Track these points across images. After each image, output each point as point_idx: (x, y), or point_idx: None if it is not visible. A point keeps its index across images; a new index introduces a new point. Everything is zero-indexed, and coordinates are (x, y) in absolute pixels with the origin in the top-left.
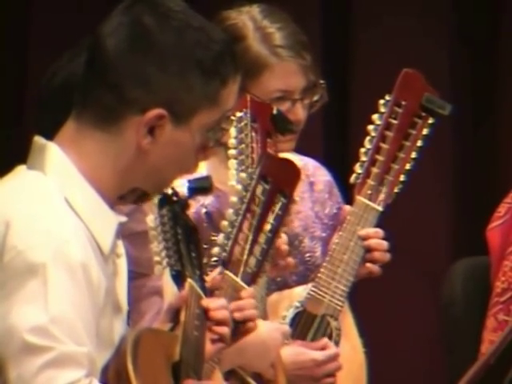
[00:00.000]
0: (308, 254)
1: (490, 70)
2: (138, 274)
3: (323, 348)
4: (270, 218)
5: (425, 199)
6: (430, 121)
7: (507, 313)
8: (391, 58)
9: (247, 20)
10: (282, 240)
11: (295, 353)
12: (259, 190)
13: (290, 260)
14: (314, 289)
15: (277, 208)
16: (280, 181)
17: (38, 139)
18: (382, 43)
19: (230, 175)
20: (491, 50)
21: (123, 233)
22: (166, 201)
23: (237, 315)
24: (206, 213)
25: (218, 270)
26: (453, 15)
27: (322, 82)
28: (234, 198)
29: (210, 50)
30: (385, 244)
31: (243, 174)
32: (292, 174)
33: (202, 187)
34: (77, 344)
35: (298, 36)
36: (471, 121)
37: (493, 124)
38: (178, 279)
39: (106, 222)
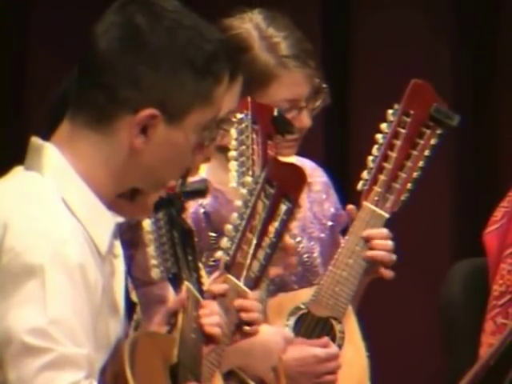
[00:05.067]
0: (306, 255)
1: (490, 70)
2: (144, 282)
3: (324, 346)
4: (275, 223)
5: (425, 200)
6: (438, 131)
7: (505, 316)
8: (391, 61)
9: (252, 29)
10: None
11: (297, 350)
12: (264, 194)
13: (293, 259)
14: (318, 291)
15: (281, 212)
16: (285, 185)
17: (35, 140)
18: (382, 45)
19: (230, 177)
20: (491, 49)
21: (134, 240)
22: (162, 204)
23: (243, 315)
24: (205, 213)
25: (218, 272)
26: (453, 15)
27: (324, 86)
28: (238, 202)
29: (203, 48)
30: (389, 244)
31: (248, 178)
32: (298, 178)
33: (197, 190)
34: (76, 345)
35: (303, 44)
36: (472, 121)
37: (493, 124)
38: (175, 282)
39: (104, 222)
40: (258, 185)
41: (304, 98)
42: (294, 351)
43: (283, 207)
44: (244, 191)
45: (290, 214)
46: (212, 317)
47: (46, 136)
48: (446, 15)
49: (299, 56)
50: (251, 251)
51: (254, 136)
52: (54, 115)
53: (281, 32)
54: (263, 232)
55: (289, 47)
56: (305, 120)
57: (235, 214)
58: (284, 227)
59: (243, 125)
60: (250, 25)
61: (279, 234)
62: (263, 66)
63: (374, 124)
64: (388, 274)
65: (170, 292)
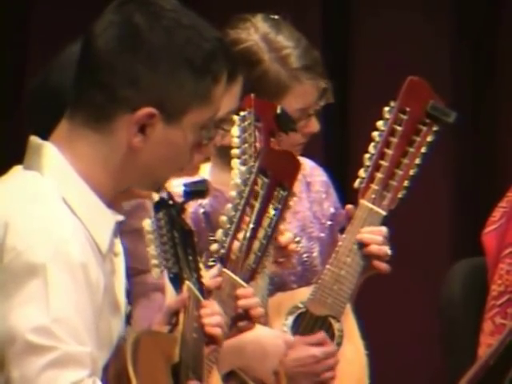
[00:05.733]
0: (305, 255)
1: (490, 70)
2: (138, 270)
3: (321, 342)
4: (270, 213)
5: (425, 199)
6: (435, 128)
7: (504, 316)
8: (391, 61)
9: (259, 41)
10: (289, 238)
11: (295, 350)
12: (258, 183)
13: (294, 260)
14: (316, 290)
15: (276, 201)
16: (279, 173)
17: (34, 139)
18: (382, 46)
19: (232, 174)
20: (490, 49)
21: (124, 229)
22: (162, 205)
23: (241, 302)
24: (204, 213)
25: (216, 268)
26: (453, 15)
27: (327, 86)
28: (233, 193)
29: (201, 48)
30: (379, 238)
31: (242, 168)
32: (291, 165)
33: (197, 191)
34: (79, 344)
35: (311, 52)
36: (471, 121)
37: (493, 124)
38: (176, 282)
39: (104, 221)
40: (252, 175)
41: (312, 105)
42: (292, 352)
43: (278, 196)
44: (238, 181)
45: (285, 203)
46: (213, 317)
47: (29, 125)
48: (445, 15)
49: (310, 67)
50: (246, 243)
51: (257, 133)
52: (34, 103)
53: (289, 41)
54: (258, 223)
55: (299, 58)
56: (314, 125)
57: (229, 206)
58: (279, 217)
59: (246, 122)
60: (257, 36)
61: (274, 224)
62: (275, 79)
63: (373, 124)
64: (383, 266)
65: (167, 285)
